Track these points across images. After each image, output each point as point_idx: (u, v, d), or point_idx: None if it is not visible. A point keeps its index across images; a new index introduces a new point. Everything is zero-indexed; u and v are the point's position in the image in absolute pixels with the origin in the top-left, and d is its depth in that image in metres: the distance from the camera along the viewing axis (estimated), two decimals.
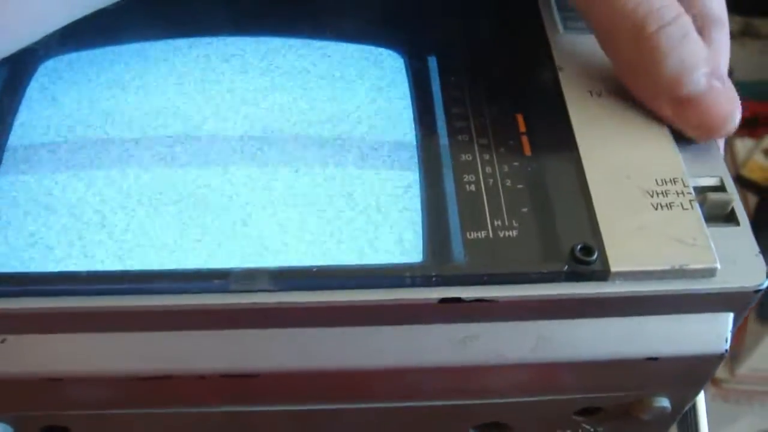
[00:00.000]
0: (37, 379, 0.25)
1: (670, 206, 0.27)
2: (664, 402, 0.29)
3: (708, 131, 0.29)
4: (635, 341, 0.27)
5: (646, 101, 0.29)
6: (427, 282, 0.25)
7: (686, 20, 0.28)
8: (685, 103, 0.28)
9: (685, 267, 0.26)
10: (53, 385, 0.26)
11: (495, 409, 0.29)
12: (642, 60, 0.28)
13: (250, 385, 0.26)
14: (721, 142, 0.31)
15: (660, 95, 0.29)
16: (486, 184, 0.27)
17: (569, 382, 0.28)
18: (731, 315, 0.27)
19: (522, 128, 0.29)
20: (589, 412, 0.30)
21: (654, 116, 0.29)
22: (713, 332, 0.27)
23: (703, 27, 0.29)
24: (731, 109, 0.28)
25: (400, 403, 0.28)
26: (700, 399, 0.32)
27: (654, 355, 0.27)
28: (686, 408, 0.31)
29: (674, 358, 0.27)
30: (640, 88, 0.29)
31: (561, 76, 0.30)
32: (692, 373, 0.28)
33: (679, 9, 0.28)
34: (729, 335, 0.27)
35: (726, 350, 0.27)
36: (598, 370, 0.27)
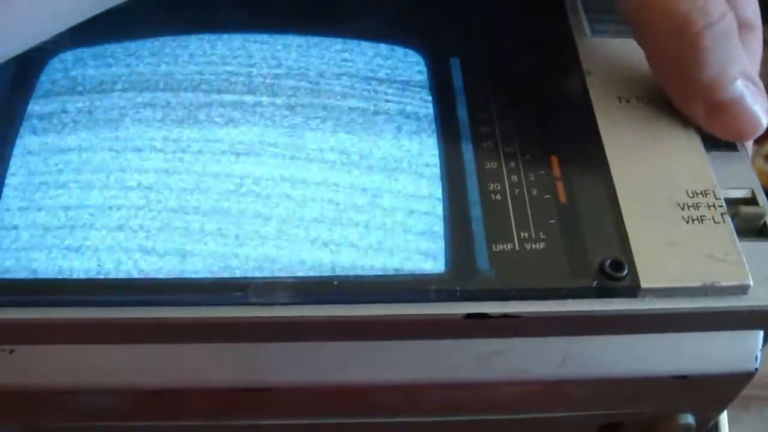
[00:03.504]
0: (47, 390, 0.24)
1: (702, 220, 0.26)
2: (689, 419, 0.28)
3: (740, 135, 0.28)
4: (663, 359, 0.26)
5: (680, 102, 0.28)
6: (452, 296, 0.24)
7: (731, 19, 0.27)
8: (721, 107, 0.28)
9: (716, 284, 0.25)
10: (64, 397, 0.25)
11: (518, 425, 0.28)
12: (682, 60, 0.27)
13: (266, 399, 0.26)
14: (750, 149, 0.30)
15: (696, 98, 0.28)
16: (512, 193, 0.26)
17: (594, 399, 0.27)
18: (761, 333, 0.26)
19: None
20: (611, 427, 0.29)
21: (684, 124, 0.28)
22: (743, 350, 0.26)
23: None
24: (763, 112, 0.28)
25: (421, 418, 0.27)
26: (723, 415, 0.31)
27: (682, 373, 0.26)
28: (710, 425, 0.30)
29: (702, 376, 0.26)
30: (676, 89, 0.28)
31: (588, 81, 0.29)
32: (720, 391, 0.27)
33: (724, 6, 0.27)
34: (759, 353, 0.26)
35: (756, 369, 0.26)
36: (624, 388, 0.27)
